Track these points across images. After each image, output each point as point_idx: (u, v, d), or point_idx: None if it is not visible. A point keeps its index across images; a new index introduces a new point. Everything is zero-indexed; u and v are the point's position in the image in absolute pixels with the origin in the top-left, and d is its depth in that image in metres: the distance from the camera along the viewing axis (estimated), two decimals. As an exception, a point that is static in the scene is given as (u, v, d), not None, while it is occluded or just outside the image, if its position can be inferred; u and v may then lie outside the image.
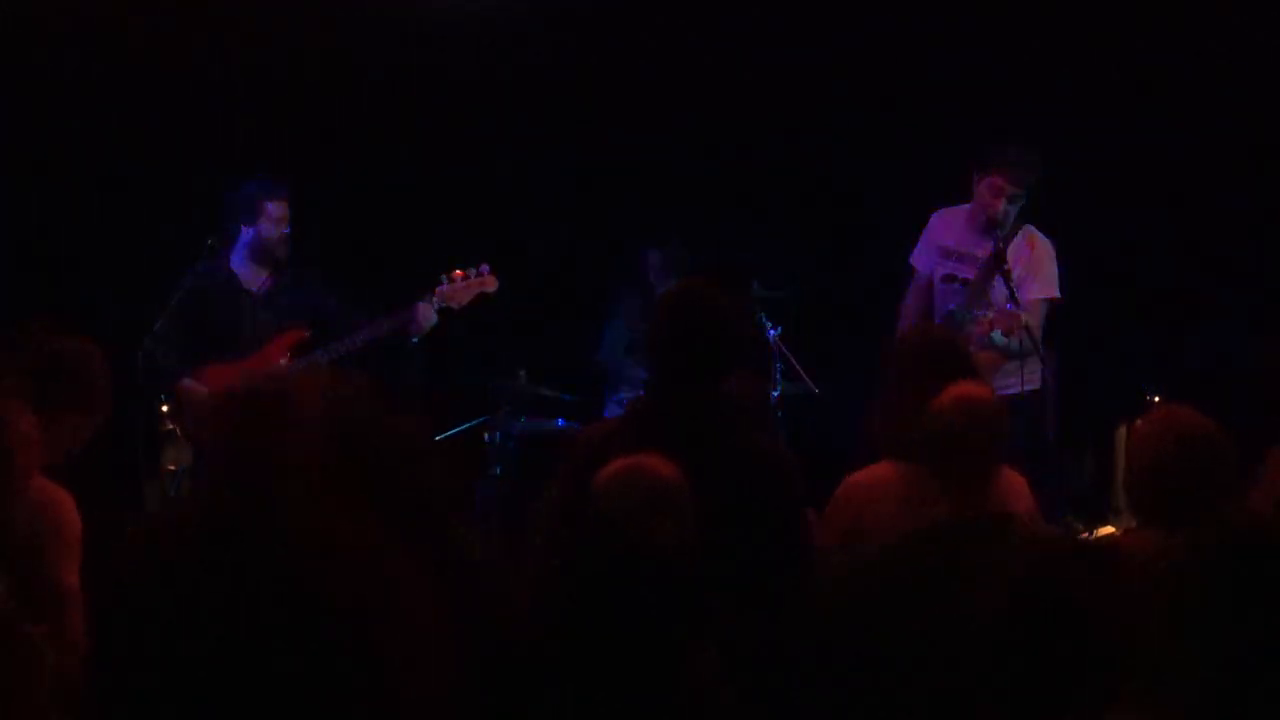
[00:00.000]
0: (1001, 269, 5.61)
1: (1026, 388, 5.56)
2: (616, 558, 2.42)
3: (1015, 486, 3.76)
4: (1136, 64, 7.26)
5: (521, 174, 7.82)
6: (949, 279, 5.92)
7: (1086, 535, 5.85)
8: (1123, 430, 7.33)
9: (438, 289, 5.97)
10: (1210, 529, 2.18)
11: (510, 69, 7.58)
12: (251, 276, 5.85)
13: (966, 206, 5.94)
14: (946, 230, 5.98)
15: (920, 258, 6.10)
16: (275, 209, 5.84)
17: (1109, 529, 6.27)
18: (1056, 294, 5.84)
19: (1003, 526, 2.38)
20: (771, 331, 6.60)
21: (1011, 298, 5.55)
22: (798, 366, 6.78)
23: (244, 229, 5.80)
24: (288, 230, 5.90)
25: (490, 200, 7.82)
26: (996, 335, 5.48)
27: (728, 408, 3.26)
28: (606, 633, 2.36)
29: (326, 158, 7.49)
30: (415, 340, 5.98)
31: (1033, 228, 5.90)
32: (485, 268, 6.02)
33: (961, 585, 2.13)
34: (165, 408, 6.25)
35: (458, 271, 6.01)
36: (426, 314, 5.90)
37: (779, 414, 6.67)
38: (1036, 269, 5.78)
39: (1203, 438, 3.23)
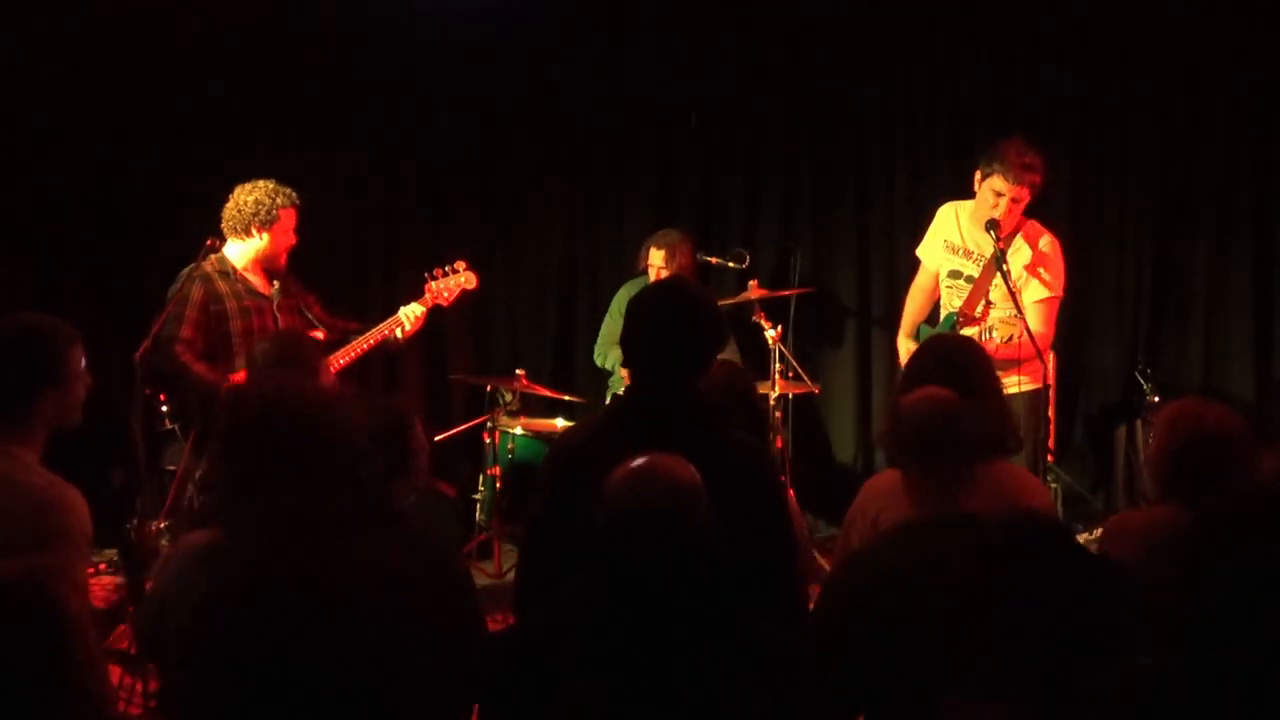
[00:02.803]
0: (1001, 269, 5.61)
1: (1024, 388, 5.56)
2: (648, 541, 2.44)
3: (1028, 483, 3.83)
4: (1142, 60, 7.26)
5: (520, 172, 7.83)
6: (954, 274, 5.93)
7: (1088, 535, 5.87)
8: (1123, 430, 7.34)
9: (427, 287, 6.11)
10: (1215, 501, 2.28)
11: (506, 66, 7.58)
12: (260, 281, 5.84)
13: (973, 201, 5.94)
14: (953, 225, 5.98)
15: (926, 251, 6.11)
16: (289, 217, 5.84)
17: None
18: (1061, 291, 5.85)
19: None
20: (771, 331, 6.59)
21: (1011, 297, 5.55)
22: (798, 366, 6.78)
23: (257, 234, 5.78)
24: (294, 239, 5.90)
25: (489, 199, 7.83)
26: (996, 340, 5.49)
27: (707, 403, 3.26)
28: (634, 615, 2.38)
29: (320, 156, 7.49)
30: (401, 340, 6.09)
31: (1037, 224, 5.90)
32: (463, 264, 6.17)
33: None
34: (165, 408, 6.26)
35: (439, 270, 6.14)
36: (418, 316, 6.03)
37: (778, 412, 6.67)
38: (1042, 267, 5.78)
39: (1223, 431, 3.34)
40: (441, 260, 6.28)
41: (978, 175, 5.80)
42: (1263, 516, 2.15)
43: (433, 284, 6.11)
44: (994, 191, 5.70)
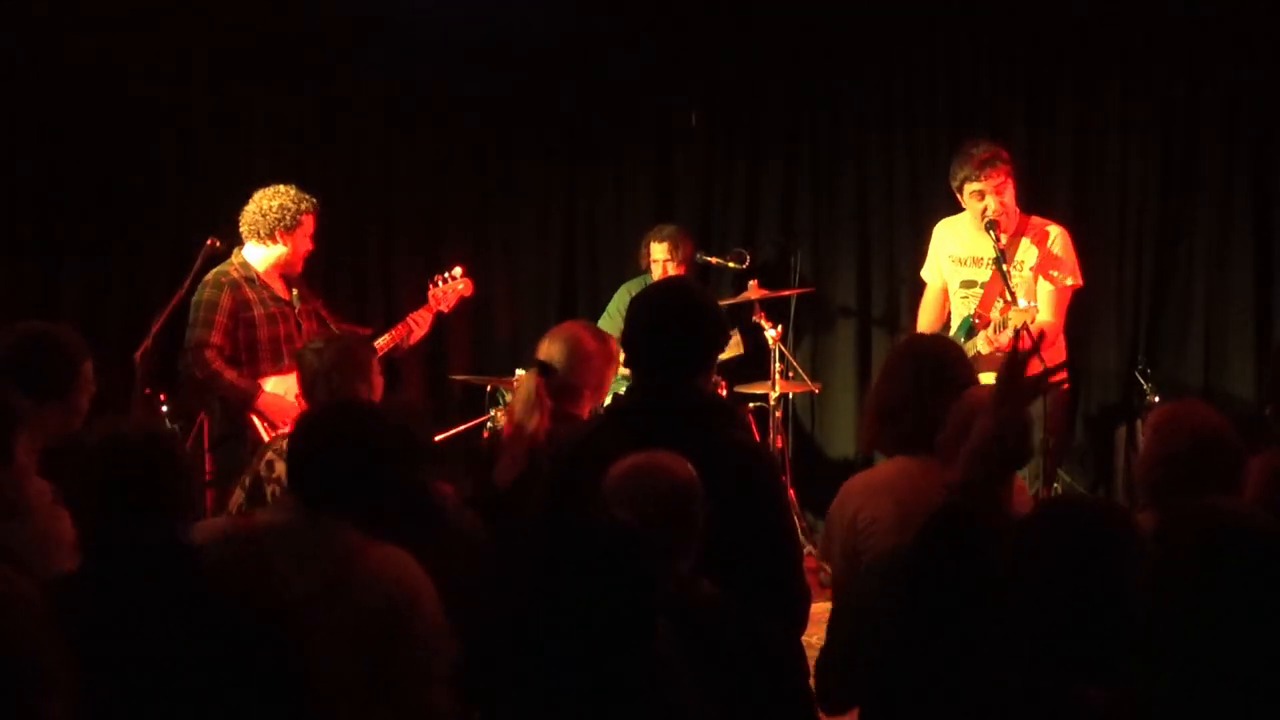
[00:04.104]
0: (1001, 269, 5.61)
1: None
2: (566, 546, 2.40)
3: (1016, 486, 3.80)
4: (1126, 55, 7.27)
5: (519, 172, 7.82)
6: (967, 284, 5.92)
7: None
8: (1123, 430, 7.34)
9: (430, 294, 6.21)
10: (1180, 515, 2.24)
11: (505, 66, 7.58)
12: (280, 287, 5.83)
13: (967, 212, 5.95)
14: (953, 238, 5.98)
15: (930, 270, 6.11)
16: (310, 223, 5.84)
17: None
18: (1079, 281, 5.85)
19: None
20: (771, 331, 6.59)
21: (1012, 296, 5.55)
22: (798, 366, 6.78)
23: (281, 239, 5.77)
24: (312, 245, 5.91)
25: (489, 199, 7.83)
26: (1009, 331, 5.48)
27: (705, 404, 3.26)
28: (569, 617, 2.33)
29: (320, 156, 7.48)
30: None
31: (1040, 219, 5.90)
32: (460, 270, 6.31)
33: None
34: (165, 408, 6.25)
35: (439, 276, 6.26)
36: (424, 321, 6.13)
37: (779, 414, 6.67)
38: (1053, 260, 5.78)
39: (1214, 434, 3.30)
40: (440, 260, 6.33)
41: (955, 192, 5.82)
42: (1222, 538, 2.12)
43: (434, 290, 6.22)
44: (975, 195, 5.72)
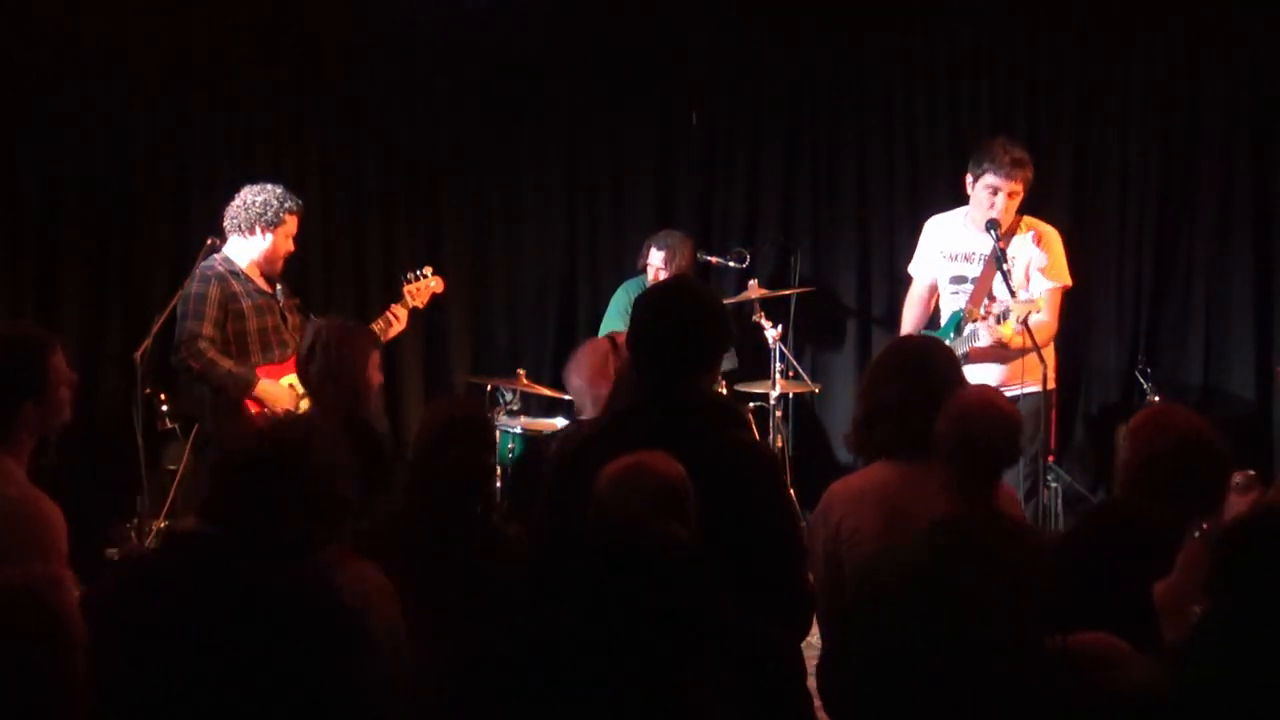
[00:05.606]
0: (1001, 268, 5.61)
1: (1026, 389, 5.55)
2: (619, 555, 2.36)
3: (1005, 493, 3.76)
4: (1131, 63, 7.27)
5: (520, 172, 7.82)
6: (958, 280, 5.93)
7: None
8: (1123, 430, 7.33)
9: (405, 290, 6.23)
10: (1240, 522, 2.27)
11: (506, 66, 7.58)
12: (261, 282, 5.84)
13: (962, 209, 5.95)
14: (945, 234, 5.98)
15: (919, 266, 6.11)
16: (293, 222, 5.85)
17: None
18: (1069, 281, 5.87)
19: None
20: (771, 331, 6.59)
21: (1012, 295, 5.56)
22: (798, 366, 6.78)
23: (261, 234, 5.78)
24: (294, 246, 5.91)
25: (489, 200, 7.83)
26: (1012, 322, 5.47)
27: (709, 404, 3.25)
28: (606, 631, 2.31)
29: (320, 156, 7.48)
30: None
31: (1033, 219, 5.91)
32: (429, 269, 6.35)
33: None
34: (165, 408, 6.25)
35: (410, 273, 6.30)
36: (401, 316, 6.14)
37: (779, 413, 6.67)
38: (1047, 261, 5.79)
39: (1197, 438, 3.27)
40: (442, 261, 6.33)
41: (969, 179, 5.82)
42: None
43: (408, 286, 6.25)
44: (989, 189, 5.72)
